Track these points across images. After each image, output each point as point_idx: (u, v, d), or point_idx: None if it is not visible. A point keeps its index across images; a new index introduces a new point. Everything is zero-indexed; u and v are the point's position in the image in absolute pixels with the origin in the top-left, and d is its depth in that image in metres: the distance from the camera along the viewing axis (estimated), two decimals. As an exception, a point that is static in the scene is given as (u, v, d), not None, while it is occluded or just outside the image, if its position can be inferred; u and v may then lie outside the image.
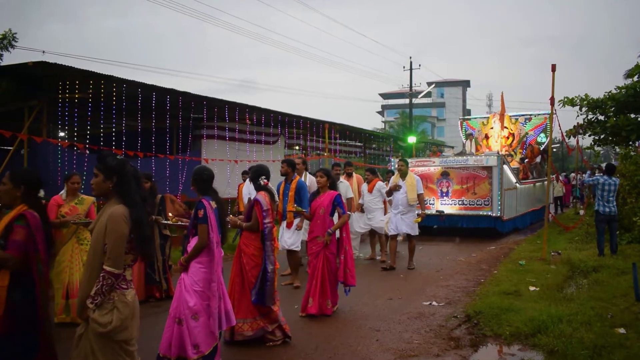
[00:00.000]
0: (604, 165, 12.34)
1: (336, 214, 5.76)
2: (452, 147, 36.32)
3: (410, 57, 29.47)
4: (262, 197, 4.68)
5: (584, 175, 25.62)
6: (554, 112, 9.30)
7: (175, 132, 14.48)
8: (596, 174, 11.55)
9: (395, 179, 8.53)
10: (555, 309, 5.20)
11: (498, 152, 14.81)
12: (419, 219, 8.25)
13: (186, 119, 13.86)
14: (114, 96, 10.80)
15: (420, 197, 8.28)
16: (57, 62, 9.13)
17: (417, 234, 8.42)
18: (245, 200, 8.28)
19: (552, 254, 8.28)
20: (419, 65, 30.60)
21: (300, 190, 6.91)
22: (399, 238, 8.95)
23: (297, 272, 7.22)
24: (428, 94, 47.78)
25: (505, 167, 12.56)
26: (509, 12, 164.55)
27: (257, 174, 4.86)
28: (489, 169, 12.24)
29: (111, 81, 10.28)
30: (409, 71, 30.44)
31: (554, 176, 21.08)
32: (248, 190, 8.16)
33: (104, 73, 10.04)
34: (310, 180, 7.69)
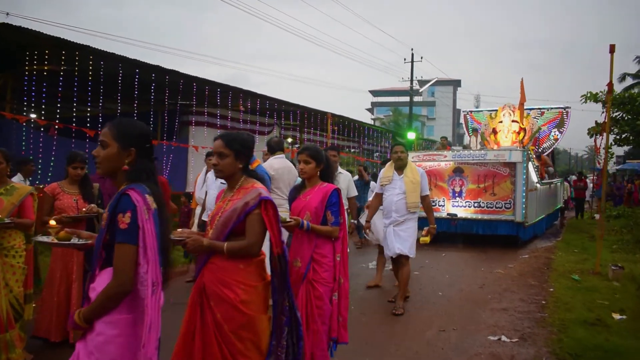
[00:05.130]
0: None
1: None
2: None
3: (412, 49, 28.10)
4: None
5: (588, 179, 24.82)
6: (609, 102, 8.00)
7: (161, 117, 12.95)
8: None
9: (387, 172, 5.70)
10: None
11: (523, 146, 13.44)
12: (428, 238, 5.51)
13: (173, 104, 12.40)
14: (90, 72, 9.21)
15: (426, 201, 5.59)
16: (22, 25, 7.59)
17: (413, 256, 5.51)
18: (202, 195, 5.72)
19: (613, 267, 6.99)
20: (421, 58, 29.23)
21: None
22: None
23: None
24: (419, 93, 46.70)
25: (530, 164, 11.17)
26: (499, 16, 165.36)
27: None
28: (512, 165, 10.60)
29: (87, 52, 8.70)
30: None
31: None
32: (203, 180, 5.81)
33: (78, 42, 8.45)
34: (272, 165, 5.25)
